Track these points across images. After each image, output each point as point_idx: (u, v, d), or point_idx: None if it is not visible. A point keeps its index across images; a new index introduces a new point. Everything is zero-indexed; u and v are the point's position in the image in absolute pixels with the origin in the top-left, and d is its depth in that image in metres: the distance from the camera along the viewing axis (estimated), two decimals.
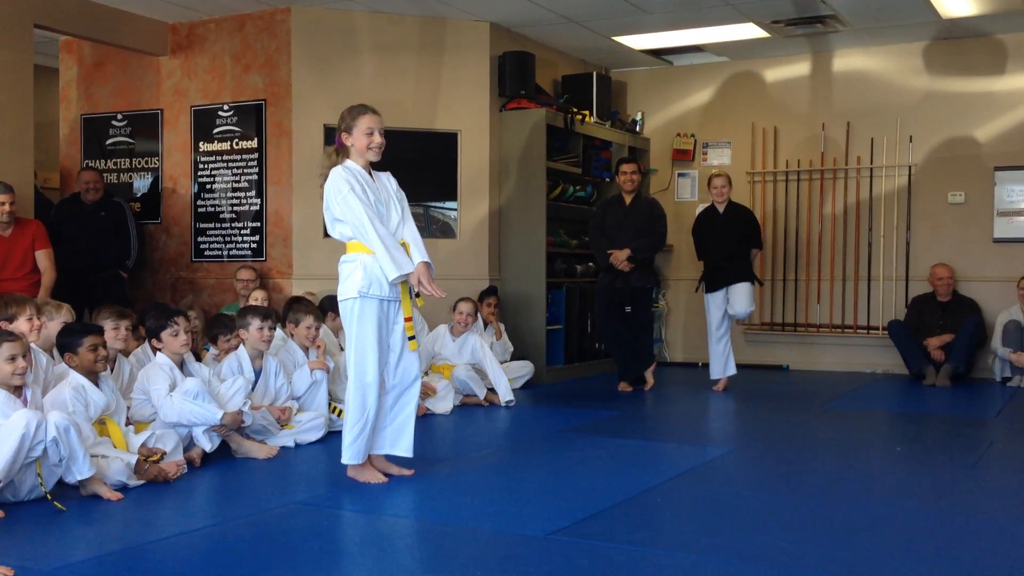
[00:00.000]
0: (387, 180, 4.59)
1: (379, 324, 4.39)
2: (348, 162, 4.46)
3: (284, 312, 5.97)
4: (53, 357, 4.80)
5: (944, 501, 4.23)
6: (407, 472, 4.60)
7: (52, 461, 4.02)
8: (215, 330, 5.66)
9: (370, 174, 4.50)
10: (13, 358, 4.07)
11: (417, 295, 4.57)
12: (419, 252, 4.45)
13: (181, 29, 8.04)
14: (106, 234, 7.52)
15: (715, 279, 7.70)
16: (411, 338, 4.51)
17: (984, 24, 8.27)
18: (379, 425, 4.54)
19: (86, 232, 7.33)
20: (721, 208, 7.74)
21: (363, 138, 4.43)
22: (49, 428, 3.99)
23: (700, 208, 8.18)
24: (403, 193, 4.63)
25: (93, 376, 4.48)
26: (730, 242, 7.65)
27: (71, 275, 7.00)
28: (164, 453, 4.52)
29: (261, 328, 5.38)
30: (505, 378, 7.06)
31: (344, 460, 4.44)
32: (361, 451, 4.43)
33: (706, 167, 9.72)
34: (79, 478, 4.06)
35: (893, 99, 8.97)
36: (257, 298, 6.91)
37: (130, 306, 6.29)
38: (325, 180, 4.46)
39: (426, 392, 6.48)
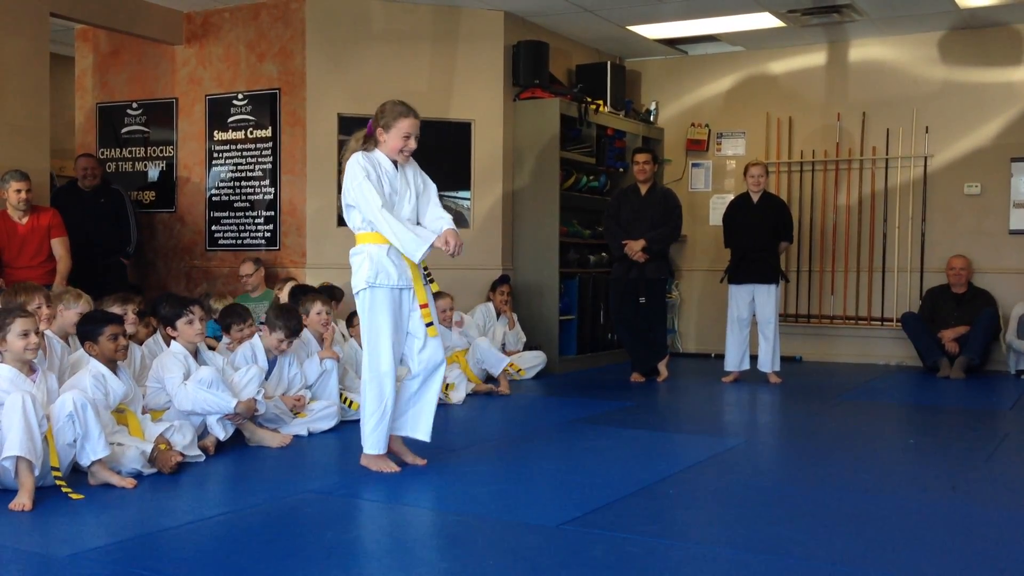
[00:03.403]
0: (411, 171, 4.55)
1: (392, 313, 4.40)
2: (376, 152, 4.45)
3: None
4: (69, 344, 4.83)
5: (958, 493, 4.22)
6: (420, 462, 4.61)
7: (67, 440, 4.05)
8: (228, 319, 5.68)
9: (396, 165, 4.48)
10: (26, 333, 4.10)
11: (431, 280, 4.56)
12: (446, 222, 4.46)
13: (196, 18, 8.05)
14: (106, 221, 7.52)
15: (741, 271, 7.63)
16: (428, 324, 4.50)
17: (1002, 14, 8.20)
18: (402, 408, 4.55)
19: (86, 219, 7.30)
20: (755, 198, 7.69)
21: (398, 140, 4.41)
22: (66, 404, 4.02)
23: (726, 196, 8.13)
24: (430, 181, 4.60)
25: (112, 365, 4.51)
26: (761, 233, 7.57)
27: (73, 262, 6.99)
28: (182, 457, 4.53)
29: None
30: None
31: (366, 451, 4.45)
32: (382, 440, 4.44)
33: (720, 157, 9.70)
34: (93, 458, 4.08)
35: (909, 89, 8.91)
36: (283, 290, 6.90)
37: (135, 292, 6.31)
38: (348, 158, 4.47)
39: None
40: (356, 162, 4.38)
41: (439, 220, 4.49)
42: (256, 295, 7.25)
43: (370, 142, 4.47)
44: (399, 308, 4.44)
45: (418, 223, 4.50)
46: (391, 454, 4.57)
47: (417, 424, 4.59)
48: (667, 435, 5.61)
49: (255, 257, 7.47)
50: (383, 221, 4.30)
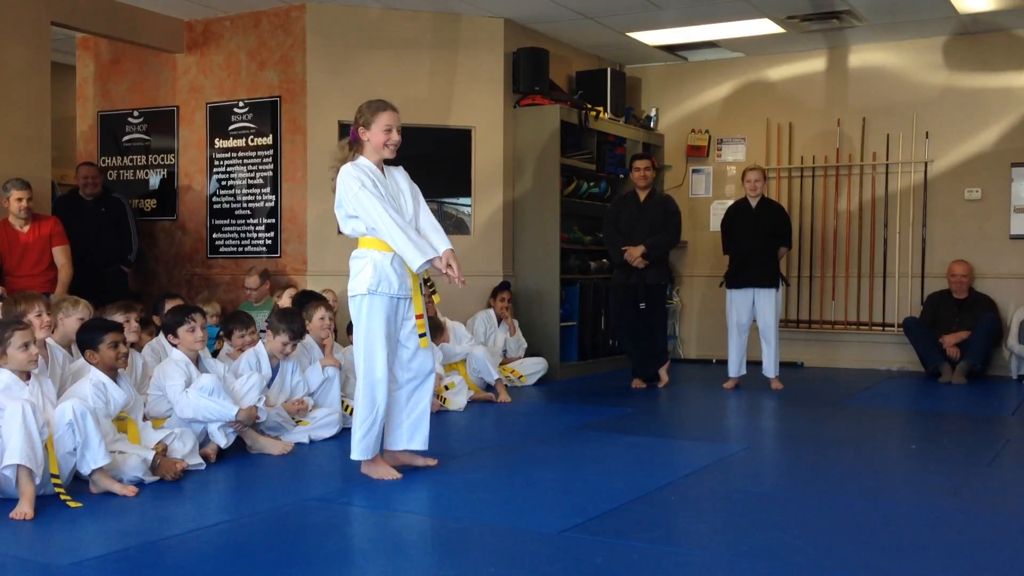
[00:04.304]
0: (399, 175, 4.59)
1: (388, 321, 4.40)
2: (360, 159, 4.47)
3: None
4: (71, 353, 4.83)
5: (960, 499, 4.22)
6: (432, 462, 4.64)
7: (67, 448, 4.05)
8: (231, 326, 5.68)
9: (382, 171, 4.50)
10: (27, 345, 4.11)
11: (433, 292, 4.57)
12: (442, 240, 4.45)
13: (197, 26, 8.07)
14: (107, 229, 7.52)
15: (739, 276, 7.64)
16: (422, 335, 4.51)
17: (1002, 19, 8.21)
18: (396, 421, 4.56)
19: (87, 228, 7.30)
20: (754, 203, 7.69)
21: (381, 135, 4.43)
22: (66, 412, 4.02)
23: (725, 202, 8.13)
24: (417, 187, 4.63)
25: (113, 373, 4.52)
26: (759, 238, 7.58)
27: (75, 270, 6.99)
28: (184, 466, 4.53)
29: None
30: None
31: (353, 456, 4.46)
32: (371, 447, 4.45)
33: (720, 163, 9.71)
34: (93, 466, 4.08)
35: (909, 95, 8.92)
36: (282, 297, 6.90)
37: (136, 300, 6.31)
38: (337, 173, 4.46)
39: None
40: (348, 173, 4.38)
41: (436, 234, 4.47)
42: (258, 304, 7.25)
43: (356, 147, 4.48)
44: (395, 317, 4.44)
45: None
46: (399, 465, 4.59)
47: (414, 435, 4.61)
48: (668, 441, 5.61)
49: (263, 269, 7.43)
50: (390, 224, 4.28)
